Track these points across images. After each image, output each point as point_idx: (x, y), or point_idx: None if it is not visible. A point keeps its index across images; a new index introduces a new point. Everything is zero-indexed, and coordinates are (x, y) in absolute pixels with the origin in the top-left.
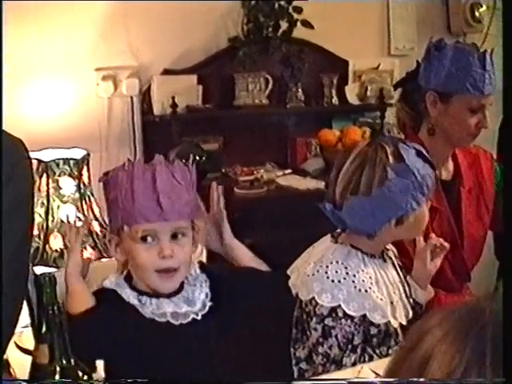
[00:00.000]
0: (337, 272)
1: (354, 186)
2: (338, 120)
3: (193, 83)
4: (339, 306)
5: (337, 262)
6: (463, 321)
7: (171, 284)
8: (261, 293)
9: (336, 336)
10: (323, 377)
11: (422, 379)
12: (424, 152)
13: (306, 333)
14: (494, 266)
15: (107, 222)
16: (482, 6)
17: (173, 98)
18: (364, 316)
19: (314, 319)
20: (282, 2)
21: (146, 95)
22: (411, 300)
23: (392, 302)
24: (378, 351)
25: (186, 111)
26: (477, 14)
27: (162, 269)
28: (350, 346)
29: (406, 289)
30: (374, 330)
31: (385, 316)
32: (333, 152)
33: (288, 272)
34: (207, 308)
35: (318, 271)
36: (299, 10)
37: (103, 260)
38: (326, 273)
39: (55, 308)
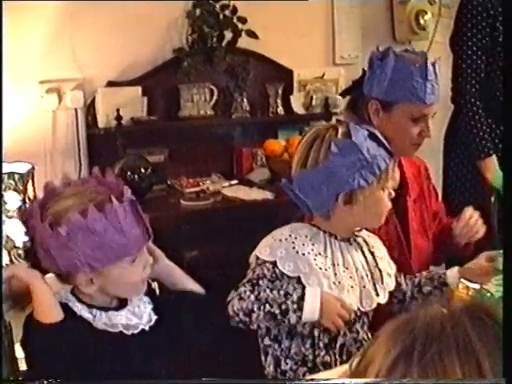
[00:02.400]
0: (282, 233)
1: (304, 160)
2: (283, 130)
3: (137, 95)
4: (275, 262)
5: (285, 229)
6: (397, 326)
7: (144, 287)
8: (197, 314)
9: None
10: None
11: (421, 379)
12: (379, 135)
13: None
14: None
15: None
16: (426, 14)
17: (117, 110)
18: (299, 278)
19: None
20: (227, 13)
21: (90, 108)
22: (378, 287)
23: (352, 286)
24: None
25: (130, 123)
26: (422, 21)
27: (146, 276)
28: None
29: (375, 277)
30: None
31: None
32: (279, 162)
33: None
34: (153, 321)
35: (267, 237)
36: (244, 20)
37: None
38: (271, 235)
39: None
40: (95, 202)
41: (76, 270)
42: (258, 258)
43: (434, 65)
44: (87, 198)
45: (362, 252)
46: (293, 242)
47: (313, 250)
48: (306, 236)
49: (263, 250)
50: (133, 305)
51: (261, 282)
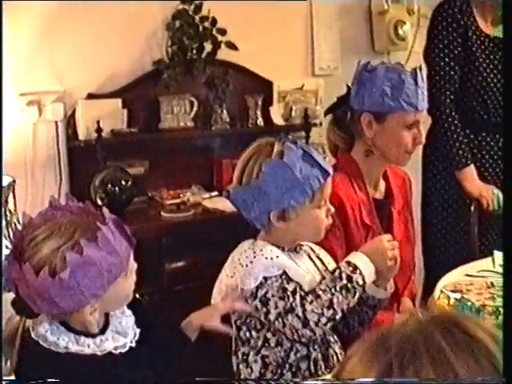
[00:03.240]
0: (247, 257)
1: (239, 177)
2: None
3: (117, 107)
4: (261, 280)
5: (245, 251)
6: (371, 346)
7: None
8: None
9: (275, 304)
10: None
11: (421, 379)
12: (314, 155)
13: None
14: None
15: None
16: (405, 24)
17: (98, 122)
18: (285, 273)
19: (251, 302)
20: (206, 24)
21: (70, 120)
22: None
23: None
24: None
25: (111, 135)
26: (401, 32)
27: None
28: (292, 300)
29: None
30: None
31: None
32: None
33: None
34: (137, 335)
35: (234, 267)
36: (223, 32)
37: None
38: (240, 262)
39: None
40: (82, 233)
41: (81, 305)
42: (242, 289)
43: (421, 71)
44: (69, 231)
45: (311, 259)
46: (262, 255)
47: (277, 256)
48: (262, 249)
49: (246, 279)
50: (115, 323)
51: (296, 293)
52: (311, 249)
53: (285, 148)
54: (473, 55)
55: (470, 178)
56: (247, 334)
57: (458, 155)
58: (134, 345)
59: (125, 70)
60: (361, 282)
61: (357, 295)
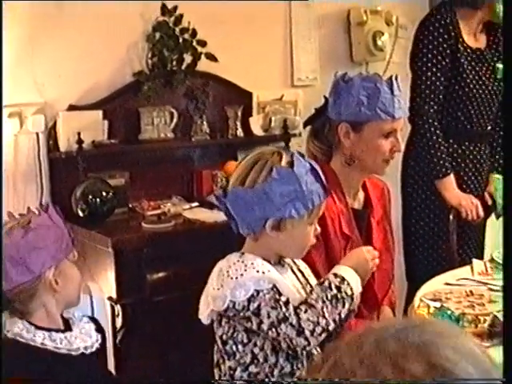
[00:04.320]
0: (237, 270)
1: (243, 178)
2: (243, 152)
3: (98, 118)
4: (253, 292)
5: (234, 263)
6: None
7: None
8: None
9: (268, 313)
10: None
11: (420, 380)
12: (319, 171)
13: (243, 333)
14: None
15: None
16: (383, 35)
17: (78, 133)
18: (276, 287)
19: (243, 314)
20: (186, 36)
21: (51, 132)
22: None
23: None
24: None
25: (91, 147)
26: (379, 42)
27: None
28: (285, 310)
29: (308, 293)
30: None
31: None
32: None
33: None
34: (100, 338)
35: (222, 279)
36: (203, 44)
37: None
38: (229, 275)
39: None
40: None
41: (47, 267)
42: (234, 303)
43: (397, 80)
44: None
45: (293, 272)
46: (253, 268)
47: (269, 270)
48: (252, 262)
49: (236, 291)
50: (78, 326)
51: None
52: (293, 262)
53: (295, 159)
54: (461, 67)
55: (450, 188)
56: (233, 348)
57: (438, 164)
58: (99, 347)
59: (105, 82)
60: (349, 293)
61: (346, 306)
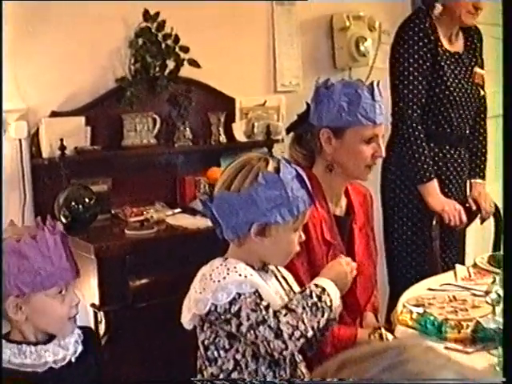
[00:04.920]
0: (219, 273)
1: (228, 183)
2: (226, 158)
3: (81, 125)
4: (234, 295)
5: (217, 267)
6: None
7: (76, 324)
8: None
9: (247, 315)
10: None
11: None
12: (305, 178)
13: (220, 336)
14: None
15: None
16: (366, 40)
17: (61, 140)
18: (258, 291)
19: (224, 317)
20: (169, 42)
21: (34, 138)
22: None
23: None
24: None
25: (74, 153)
26: (362, 48)
27: (73, 315)
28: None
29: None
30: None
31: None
32: None
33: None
34: (78, 352)
35: (204, 283)
36: (186, 50)
37: None
38: (211, 278)
39: None
40: (30, 232)
41: (7, 292)
42: (216, 306)
43: (378, 85)
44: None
45: (277, 278)
46: (236, 272)
47: (251, 274)
48: (235, 266)
49: (218, 294)
50: (59, 338)
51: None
52: (277, 269)
53: (281, 164)
54: (441, 70)
55: (433, 193)
56: (215, 353)
57: (421, 169)
58: (73, 360)
59: (88, 88)
60: (329, 303)
61: (325, 315)
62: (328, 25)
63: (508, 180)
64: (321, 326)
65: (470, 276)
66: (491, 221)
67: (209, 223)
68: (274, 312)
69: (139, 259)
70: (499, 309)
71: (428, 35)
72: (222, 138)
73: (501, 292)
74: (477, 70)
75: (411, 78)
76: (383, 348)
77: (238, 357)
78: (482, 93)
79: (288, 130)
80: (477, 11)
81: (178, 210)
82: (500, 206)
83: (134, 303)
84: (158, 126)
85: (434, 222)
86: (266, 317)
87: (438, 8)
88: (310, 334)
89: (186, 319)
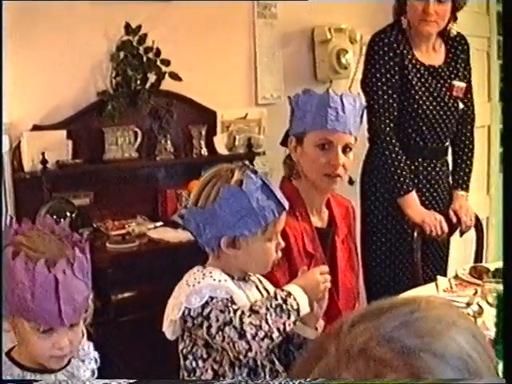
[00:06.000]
0: (195, 279)
1: (197, 197)
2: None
3: (62, 138)
4: (207, 299)
5: (194, 273)
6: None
7: (62, 363)
8: None
9: (216, 317)
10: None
11: (419, 380)
12: (274, 189)
13: (196, 341)
14: None
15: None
16: (347, 52)
17: (43, 153)
18: (232, 298)
19: (197, 321)
20: (150, 55)
21: (16, 152)
22: None
23: None
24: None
25: (56, 167)
26: (343, 60)
27: (57, 355)
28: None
29: None
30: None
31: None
32: None
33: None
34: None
35: (179, 288)
36: (167, 63)
37: None
38: (187, 283)
39: None
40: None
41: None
42: (189, 309)
43: (341, 96)
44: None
45: (258, 289)
46: (211, 277)
47: (226, 280)
48: (211, 272)
49: (192, 298)
50: (73, 366)
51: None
52: (259, 280)
53: (244, 176)
54: (409, 83)
55: (413, 205)
56: (193, 363)
57: (399, 182)
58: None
59: (69, 101)
60: (295, 306)
61: (292, 318)
62: (309, 37)
63: (508, 179)
64: (287, 327)
65: (451, 288)
66: (473, 232)
67: (190, 236)
68: (241, 313)
69: (121, 273)
70: (480, 320)
71: (394, 49)
72: (204, 151)
73: (482, 303)
74: (455, 83)
75: (380, 92)
76: (398, 303)
77: (216, 366)
78: (461, 106)
79: (281, 144)
80: (430, 17)
81: (160, 223)
82: (481, 216)
83: (116, 317)
84: (139, 139)
85: (416, 234)
86: (232, 318)
87: (404, 21)
88: (275, 335)
89: (165, 327)
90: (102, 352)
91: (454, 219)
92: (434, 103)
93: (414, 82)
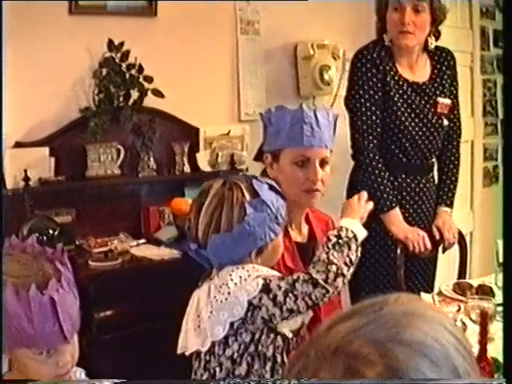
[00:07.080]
0: (241, 276)
1: (216, 225)
2: (190, 188)
3: (45, 155)
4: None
5: (231, 273)
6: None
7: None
8: None
9: (278, 286)
10: None
11: (420, 380)
12: (275, 185)
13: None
14: None
15: None
16: (330, 69)
17: (25, 170)
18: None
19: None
20: (133, 72)
21: None
22: None
23: None
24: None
25: (38, 184)
26: (326, 76)
27: (62, 374)
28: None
29: None
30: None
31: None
32: (186, 220)
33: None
34: None
35: (225, 289)
36: (150, 80)
37: None
38: (234, 282)
39: None
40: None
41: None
42: (250, 301)
43: (315, 111)
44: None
45: None
46: (254, 269)
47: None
48: (254, 267)
49: (249, 287)
50: None
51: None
52: None
53: (255, 184)
54: (391, 100)
55: (395, 221)
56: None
57: (382, 198)
58: None
59: (52, 118)
60: (351, 235)
61: (353, 247)
62: (292, 53)
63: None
64: (353, 258)
65: (434, 304)
66: (456, 248)
67: (174, 254)
68: (297, 277)
69: (103, 290)
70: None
71: (377, 65)
72: (186, 168)
73: (465, 320)
74: (439, 99)
75: (363, 109)
76: (368, 304)
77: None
78: (445, 123)
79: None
80: (408, 28)
81: (143, 240)
82: (465, 231)
83: (99, 335)
84: (121, 156)
85: (399, 251)
86: (294, 276)
87: (386, 37)
88: (345, 270)
89: (207, 340)
90: (85, 370)
91: (437, 236)
92: (417, 120)
93: (395, 99)
